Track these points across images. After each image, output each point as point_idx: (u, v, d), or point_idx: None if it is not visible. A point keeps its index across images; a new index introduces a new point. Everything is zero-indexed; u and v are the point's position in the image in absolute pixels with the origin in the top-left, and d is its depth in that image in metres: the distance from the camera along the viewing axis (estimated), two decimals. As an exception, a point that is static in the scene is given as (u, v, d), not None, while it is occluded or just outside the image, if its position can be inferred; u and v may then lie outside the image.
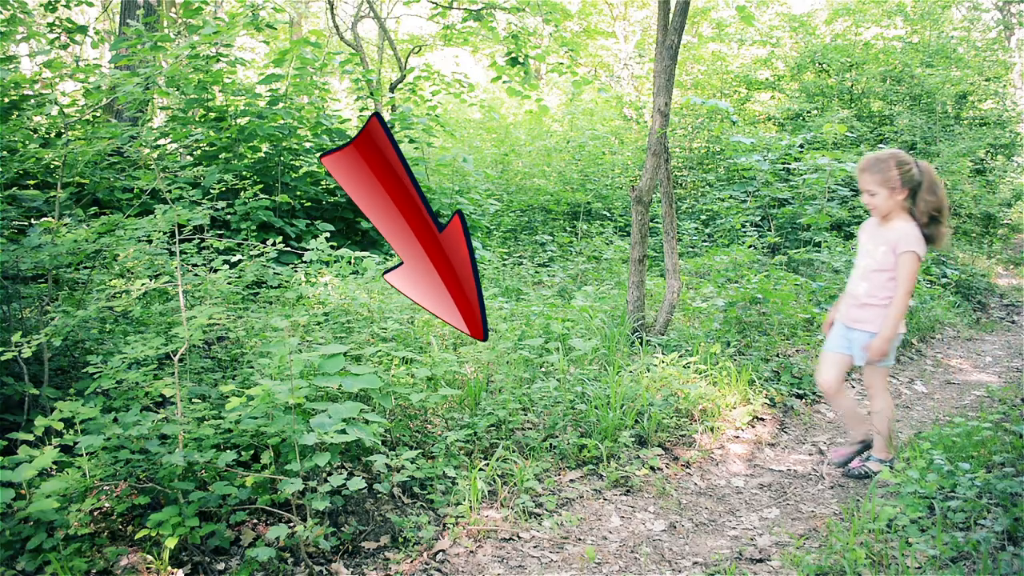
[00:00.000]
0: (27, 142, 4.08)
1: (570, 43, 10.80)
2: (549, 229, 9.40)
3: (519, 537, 2.95)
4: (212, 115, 6.40)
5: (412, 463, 3.08)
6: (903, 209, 3.31)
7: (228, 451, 2.61)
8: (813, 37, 13.56)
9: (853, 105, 12.61)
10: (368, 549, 2.76)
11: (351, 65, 8.11)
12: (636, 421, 3.84)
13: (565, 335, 4.64)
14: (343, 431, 2.58)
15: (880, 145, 11.04)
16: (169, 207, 3.28)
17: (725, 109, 7.86)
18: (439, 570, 2.70)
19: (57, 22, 5.32)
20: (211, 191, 4.51)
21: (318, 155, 7.03)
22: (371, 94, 8.36)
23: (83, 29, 5.45)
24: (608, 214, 10.10)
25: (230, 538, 2.63)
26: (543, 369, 4.33)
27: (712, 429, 4.03)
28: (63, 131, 4.31)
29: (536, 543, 2.91)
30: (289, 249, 4.14)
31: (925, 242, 3.27)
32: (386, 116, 8.49)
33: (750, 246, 7.71)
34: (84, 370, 2.90)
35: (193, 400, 2.98)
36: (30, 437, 2.48)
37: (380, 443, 3.10)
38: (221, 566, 2.56)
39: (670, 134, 10.51)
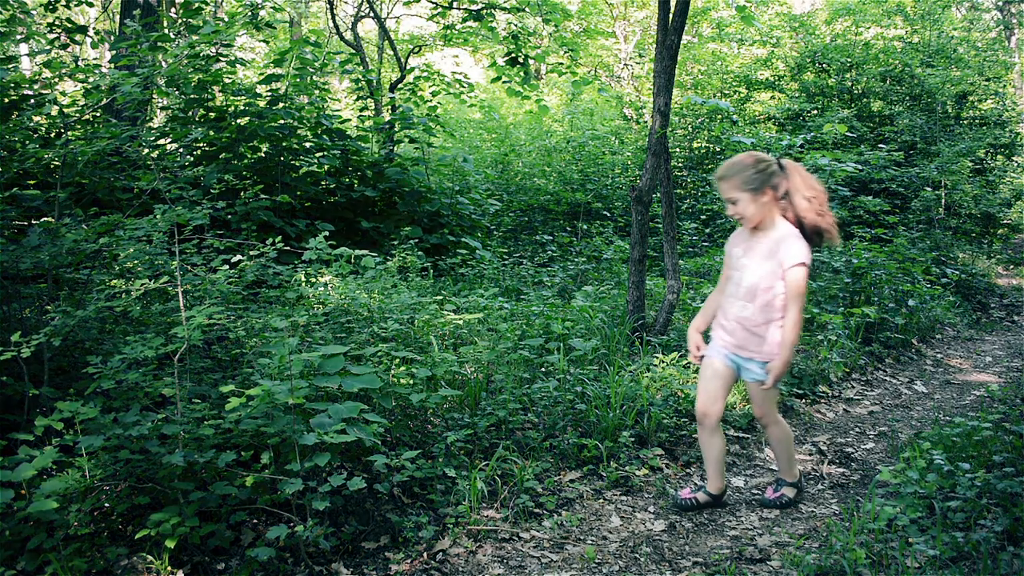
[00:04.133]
0: (27, 142, 4.08)
1: (570, 43, 10.80)
2: (549, 229, 9.40)
3: (519, 537, 2.95)
4: (212, 115, 6.40)
5: (412, 463, 3.08)
6: (775, 213, 2.98)
7: (228, 451, 2.61)
8: (813, 37, 13.56)
9: (853, 105, 12.61)
10: (368, 549, 2.76)
11: (351, 65, 8.11)
12: (636, 421, 3.84)
13: (565, 335, 4.64)
14: (343, 431, 2.58)
15: (880, 145, 11.03)
16: (169, 207, 3.28)
17: (725, 109, 7.86)
18: (439, 570, 2.70)
19: (57, 22, 5.32)
20: (211, 191, 4.52)
21: (318, 155, 7.04)
22: (371, 94, 8.36)
23: (83, 29, 5.44)
24: (608, 214, 10.10)
25: (230, 538, 2.63)
26: (543, 369, 4.33)
27: (712, 429, 4.03)
28: (63, 131, 4.30)
29: (536, 543, 2.91)
30: (289, 249, 4.13)
31: (810, 245, 2.97)
32: (386, 116, 8.49)
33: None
34: (84, 370, 2.89)
35: (193, 400, 2.98)
36: (30, 437, 2.48)
37: (380, 443, 3.10)
38: (221, 566, 2.56)
39: (670, 134, 10.52)
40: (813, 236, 2.99)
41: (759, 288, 2.97)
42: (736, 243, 3.10)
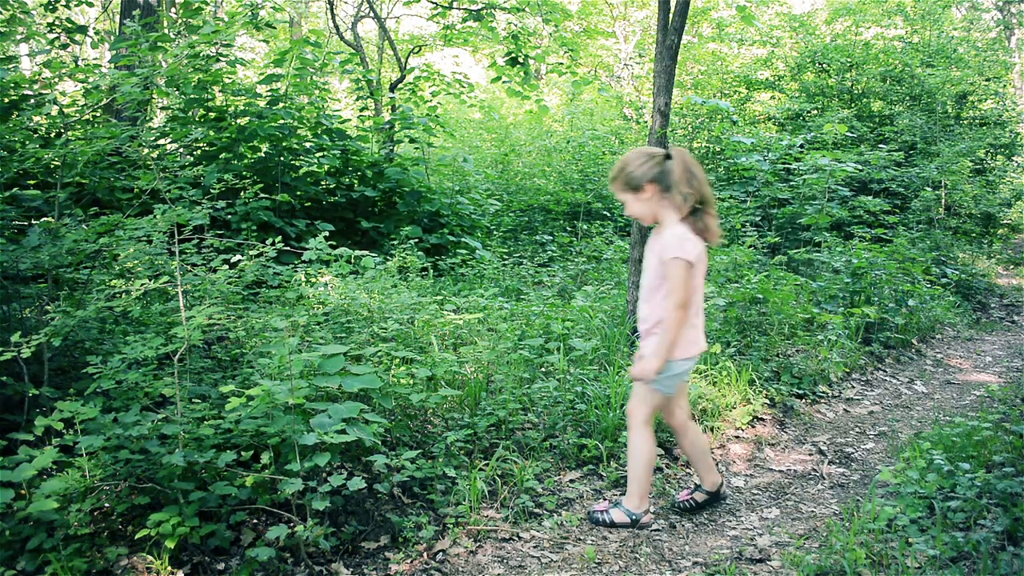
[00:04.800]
0: (27, 142, 4.08)
1: (570, 43, 10.80)
2: (549, 229, 9.40)
3: (519, 537, 2.94)
4: (212, 115, 6.40)
5: (412, 463, 3.08)
6: (670, 211, 2.86)
7: (228, 451, 2.61)
8: (813, 37, 13.56)
9: (853, 105, 12.61)
10: (368, 549, 2.76)
11: (351, 65, 8.11)
12: (636, 421, 3.84)
13: (565, 335, 4.64)
14: (343, 431, 2.58)
15: (880, 145, 11.04)
16: (169, 207, 3.28)
17: (725, 109, 7.86)
18: (439, 570, 2.70)
19: (57, 22, 5.32)
20: (211, 191, 4.52)
21: (318, 155, 7.04)
22: (371, 94, 8.36)
23: (83, 29, 5.44)
24: (608, 214, 10.10)
25: (230, 538, 2.63)
26: (543, 369, 4.33)
27: (712, 429, 4.03)
28: (63, 131, 4.30)
29: (536, 543, 2.91)
30: (289, 249, 4.13)
31: (699, 242, 2.85)
32: (386, 116, 8.50)
33: (750, 246, 7.70)
34: (84, 370, 2.89)
35: (193, 400, 2.98)
36: (30, 437, 2.48)
37: (380, 443, 3.10)
38: (221, 566, 2.56)
39: (670, 134, 10.50)
40: (701, 232, 2.87)
41: (649, 288, 2.93)
42: (648, 244, 3.02)
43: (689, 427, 3.14)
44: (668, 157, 2.85)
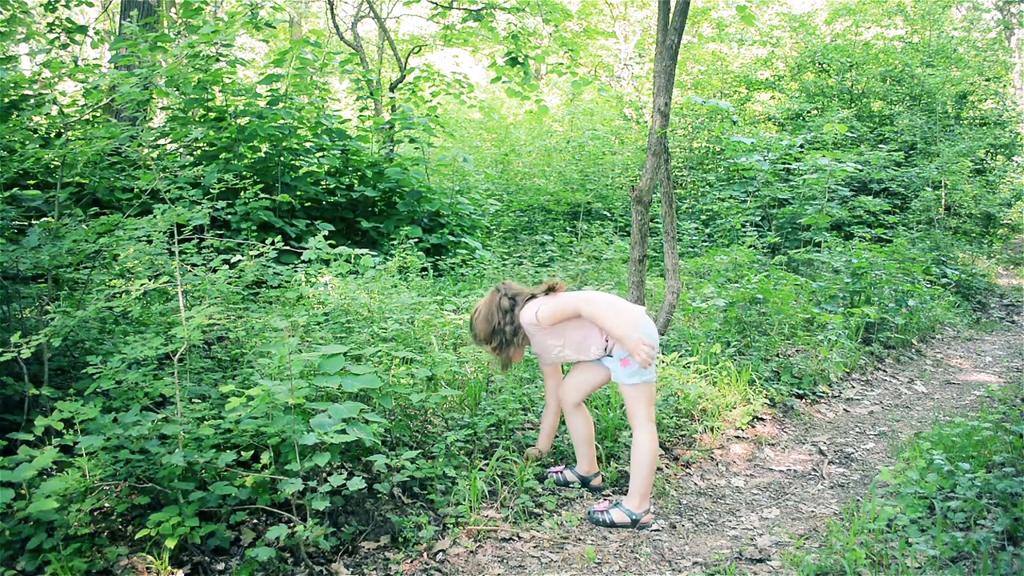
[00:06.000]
0: (27, 142, 4.07)
1: (570, 43, 10.80)
2: (549, 229, 9.40)
3: (519, 537, 2.94)
4: (212, 115, 6.40)
5: (412, 463, 3.08)
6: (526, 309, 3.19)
7: (228, 451, 2.61)
8: (813, 37, 13.57)
9: (853, 105, 12.62)
10: (368, 549, 2.76)
11: (351, 65, 8.11)
12: (636, 421, 3.84)
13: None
14: (343, 431, 2.58)
15: (880, 145, 11.03)
16: (169, 207, 3.28)
17: (725, 109, 7.85)
18: (439, 570, 2.70)
19: (57, 22, 5.31)
20: (211, 191, 4.51)
21: (318, 155, 7.04)
22: (371, 94, 8.36)
23: (83, 29, 5.44)
24: (608, 214, 10.10)
25: (230, 538, 2.63)
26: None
27: (712, 429, 4.03)
28: (63, 131, 4.30)
29: (536, 543, 2.91)
30: (289, 249, 4.13)
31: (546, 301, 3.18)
32: (386, 116, 8.50)
33: (750, 246, 7.71)
34: (84, 370, 2.89)
35: (193, 400, 2.97)
36: (30, 437, 2.48)
37: (380, 443, 3.10)
38: (221, 566, 2.56)
39: (670, 134, 10.50)
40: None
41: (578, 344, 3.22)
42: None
43: (582, 407, 3.32)
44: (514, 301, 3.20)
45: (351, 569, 2.64)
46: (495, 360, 3.32)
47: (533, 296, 3.20)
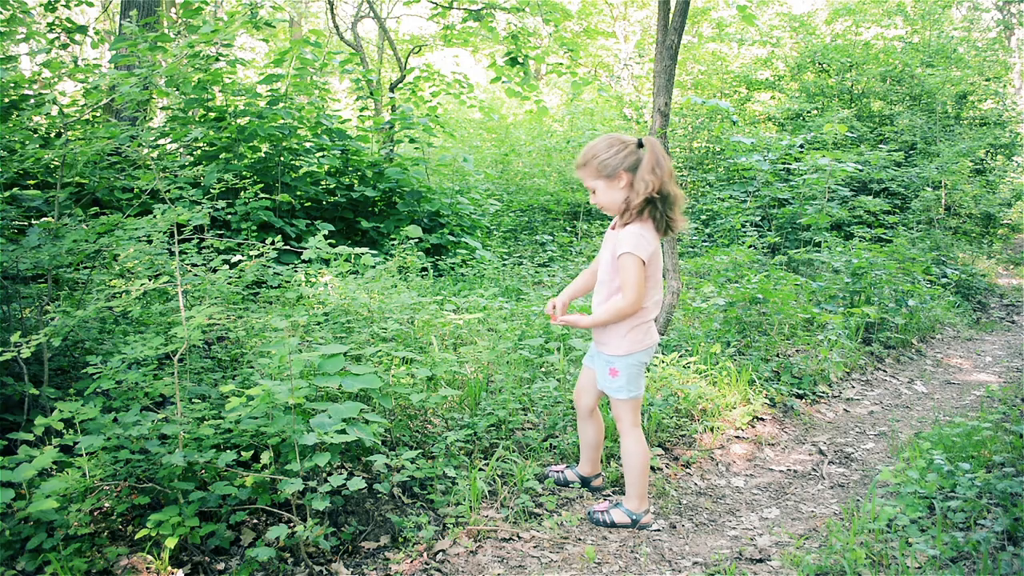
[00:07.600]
0: (27, 142, 4.08)
1: (570, 43, 10.80)
2: (549, 229, 9.40)
3: (519, 537, 2.94)
4: (212, 115, 6.40)
5: (412, 463, 3.08)
6: (637, 205, 2.76)
7: (228, 451, 2.61)
8: (813, 37, 13.58)
9: (853, 105, 12.62)
10: (368, 549, 2.76)
11: (351, 65, 8.11)
12: (636, 421, 3.84)
13: (565, 335, 4.64)
14: (343, 431, 2.58)
15: (880, 145, 11.04)
16: (169, 207, 3.28)
17: (725, 109, 7.86)
18: (439, 570, 2.70)
19: (57, 22, 5.32)
20: (211, 191, 4.52)
21: (318, 155, 7.04)
22: (371, 94, 8.36)
23: (83, 29, 5.44)
24: (608, 214, 10.10)
25: (230, 538, 2.63)
26: (543, 369, 4.33)
27: (712, 429, 4.03)
28: (63, 131, 4.30)
29: (536, 543, 2.91)
30: (289, 249, 4.13)
31: (657, 237, 2.80)
32: (386, 116, 8.50)
33: (750, 246, 7.71)
34: (84, 370, 2.89)
35: (193, 400, 2.98)
36: (30, 437, 2.48)
37: (380, 443, 3.10)
38: (221, 566, 2.56)
39: (670, 134, 10.51)
40: (662, 225, 2.80)
41: (601, 282, 2.92)
42: (605, 236, 2.96)
43: (596, 415, 3.24)
44: (640, 145, 2.77)
45: (351, 569, 2.64)
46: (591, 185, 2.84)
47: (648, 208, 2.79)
